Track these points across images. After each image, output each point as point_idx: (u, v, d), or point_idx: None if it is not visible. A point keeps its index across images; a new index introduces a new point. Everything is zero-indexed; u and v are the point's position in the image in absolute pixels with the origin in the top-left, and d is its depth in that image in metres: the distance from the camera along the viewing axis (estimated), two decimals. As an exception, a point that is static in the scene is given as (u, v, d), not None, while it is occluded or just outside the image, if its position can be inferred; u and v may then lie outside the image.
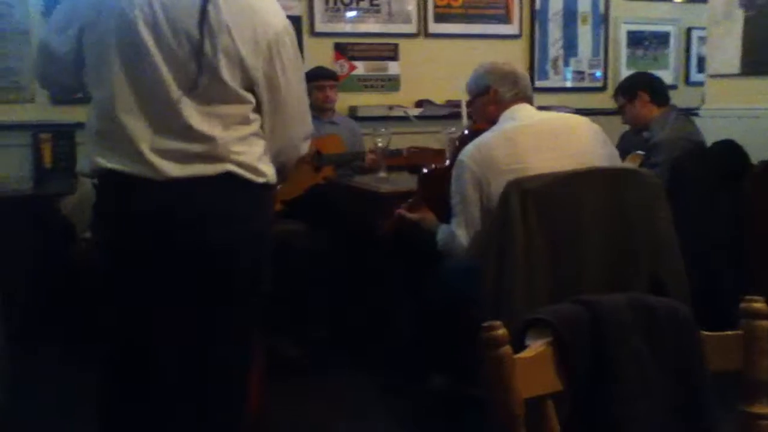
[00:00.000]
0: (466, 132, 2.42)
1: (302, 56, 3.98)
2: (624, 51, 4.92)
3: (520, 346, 0.99)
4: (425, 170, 2.66)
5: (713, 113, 3.41)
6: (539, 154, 2.02)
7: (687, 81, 5.10)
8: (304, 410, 2.60)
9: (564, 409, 1.00)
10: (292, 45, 1.57)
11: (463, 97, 3.11)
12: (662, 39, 5.03)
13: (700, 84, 4.03)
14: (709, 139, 2.93)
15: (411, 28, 4.32)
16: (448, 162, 2.71)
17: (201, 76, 1.44)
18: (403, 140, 3.47)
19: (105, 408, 1.61)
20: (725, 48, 3.39)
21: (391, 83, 4.31)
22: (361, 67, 4.24)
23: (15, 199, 3.22)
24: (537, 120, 2.18)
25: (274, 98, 1.55)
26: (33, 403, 2.61)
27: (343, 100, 3.98)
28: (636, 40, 4.96)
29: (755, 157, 2.77)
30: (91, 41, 1.49)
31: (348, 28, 4.21)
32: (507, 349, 0.92)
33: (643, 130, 3.07)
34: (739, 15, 3.34)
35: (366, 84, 4.26)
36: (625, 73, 4.57)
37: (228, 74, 1.46)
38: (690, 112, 3.30)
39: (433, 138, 3.39)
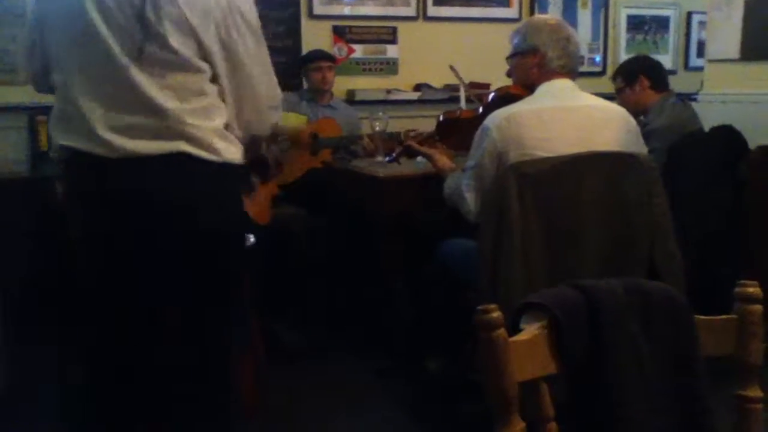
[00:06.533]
0: (498, 93, 2.28)
1: (300, 39, 4.03)
2: (624, 35, 4.90)
3: (515, 330, 1.00)
4: (444, 116, 2.57)
5: (712, 98, 3.40)
6: (568, 147, 1.95)
7: (686, 66, 5.08)
8: (302, 394, 2.61)
9: (559, 391, 1.01)
10: (250, 11, 1.54)
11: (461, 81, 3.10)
12: (662, 23, 5.01)
13: (700, 69, 4.02)
14: (708, 124, 2.92)
15: (410, 11, 4.30)
16: (462, 111, 2.65)
17: (146, 42, 1.42)
18: (400, 124, 3.45)
19: (95, 388, 1.61)
20: (725, 33, 3.37)
21: (390, 67, 4.30)
22: (359, 51, 4.22)
23: (12, 182, 3.22)
24: (576, 105, 2.06)
25: (236, 67, 1.53)
26: (30, 382, 2.62)
27: (341, 84, 3.97)
28: (636, 24, 4.94)
29: (753, 143, 2.77)
30: (48, 28, 1.51)
31: (347, 10, 4.19)
32: (502, 332, 0.92)
33: (639, 114, 3.06)
34: (740, 0, 3.32)
35: (364, 67, 4.25)
36: (625, 57, 4.54)
37: (178, 43, 1.44)
38: (689, 98, 3.29)
39: (431, 123, 3.37)
